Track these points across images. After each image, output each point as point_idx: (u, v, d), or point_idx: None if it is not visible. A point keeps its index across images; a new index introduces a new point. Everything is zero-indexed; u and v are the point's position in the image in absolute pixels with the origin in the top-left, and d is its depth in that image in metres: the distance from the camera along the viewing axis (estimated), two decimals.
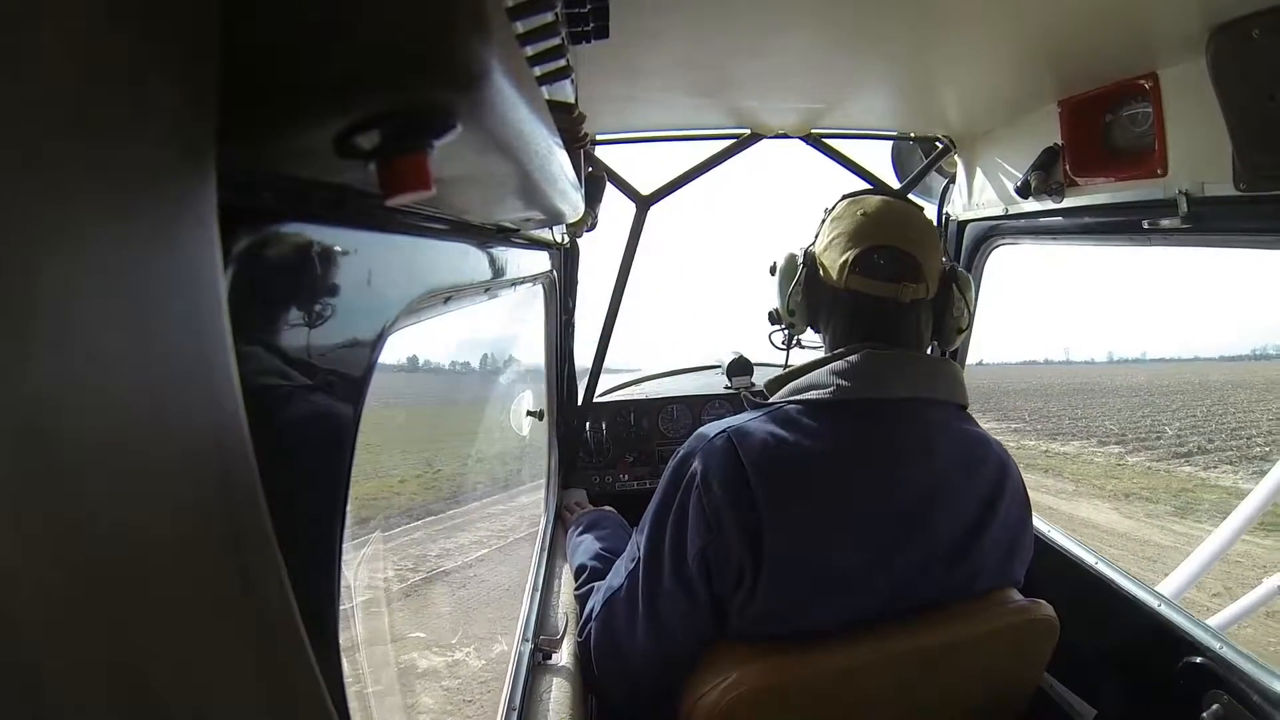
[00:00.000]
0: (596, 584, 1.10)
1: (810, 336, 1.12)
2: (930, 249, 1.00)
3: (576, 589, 1.20)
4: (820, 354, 1.05)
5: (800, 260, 1.06)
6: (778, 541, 0.84)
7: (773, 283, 1.12)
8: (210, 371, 0.22)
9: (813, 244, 1.06)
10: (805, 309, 1.05)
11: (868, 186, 1.14)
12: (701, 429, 0.95)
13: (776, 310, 1.11)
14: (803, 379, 0.96)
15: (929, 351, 1.04)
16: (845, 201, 1.06)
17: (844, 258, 0.98)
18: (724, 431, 0.91)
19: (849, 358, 0.94)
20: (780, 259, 1.10)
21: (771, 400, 0.97)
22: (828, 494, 0.87)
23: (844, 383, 0.92)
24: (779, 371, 1.02)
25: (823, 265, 1.02)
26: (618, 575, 1.00)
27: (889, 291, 0.96)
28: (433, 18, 0.23)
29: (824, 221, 1.07)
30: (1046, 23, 0.91)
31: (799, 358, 1.10)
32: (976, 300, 1.04)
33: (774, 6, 0.88)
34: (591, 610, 1.04)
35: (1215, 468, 14.73)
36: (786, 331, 1.11)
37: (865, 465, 0.89)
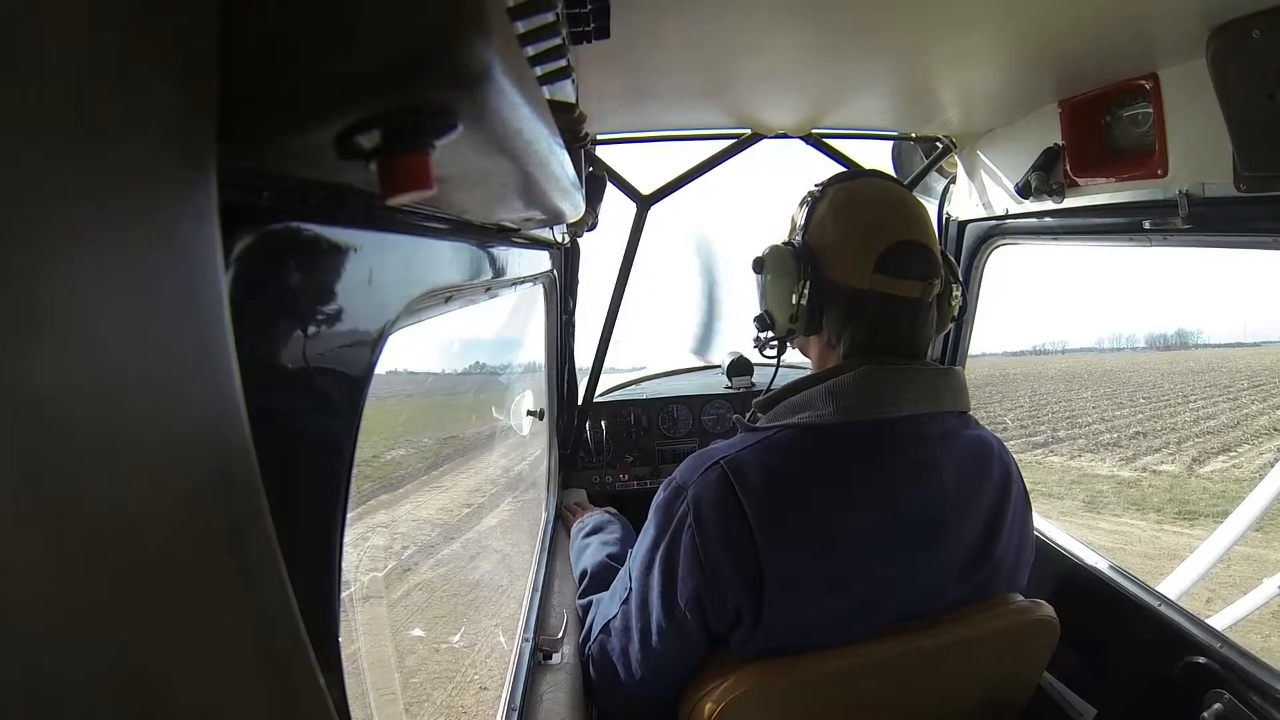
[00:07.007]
0: (597, 596, 1.08)
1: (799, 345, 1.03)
2: (932, 235, 0.94)
3: (579, 596, 1.19)
4: (810, 359, 1.01)
5: (796, 255, 0.94)
6: (778, 585, 0.80)
7: (759, 281, 0.98)
8: (211, 371, 0.22)
9: (803, 235, 0.95)
10: (811, 312, 0.93)
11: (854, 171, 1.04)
12: (692, 457, 0.90)
13: (768, 314, 0.98)
14: (797, 398, 0.89)
15: (930, 346, 0.98)
16: (838, 187, 0.96)
17: (867, 257, 0.89)
18: (717, 463, 0.85)
19: (848, 374, 0.87)
20: (766, 254, 0.97)
21: (765, 424, 0.90)
22: (832, 529, 0.82)
23: (843, 403, 0.85)
24: (782, 374, 0.99)
25: (832, 262, 0.92)
26: (613, 601, 0.95)
27: (917, 292, 0.90)
28: (434, 18, 0.23)
29: (813, 208, 0.96)
30: (1046, 23, 0.91)
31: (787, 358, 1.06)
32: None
33: (775, 6, 0.88)
34: (590, 628, 1.01)
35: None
36: (782, 337, 0.99)
37: (870, 493, 0.85)
